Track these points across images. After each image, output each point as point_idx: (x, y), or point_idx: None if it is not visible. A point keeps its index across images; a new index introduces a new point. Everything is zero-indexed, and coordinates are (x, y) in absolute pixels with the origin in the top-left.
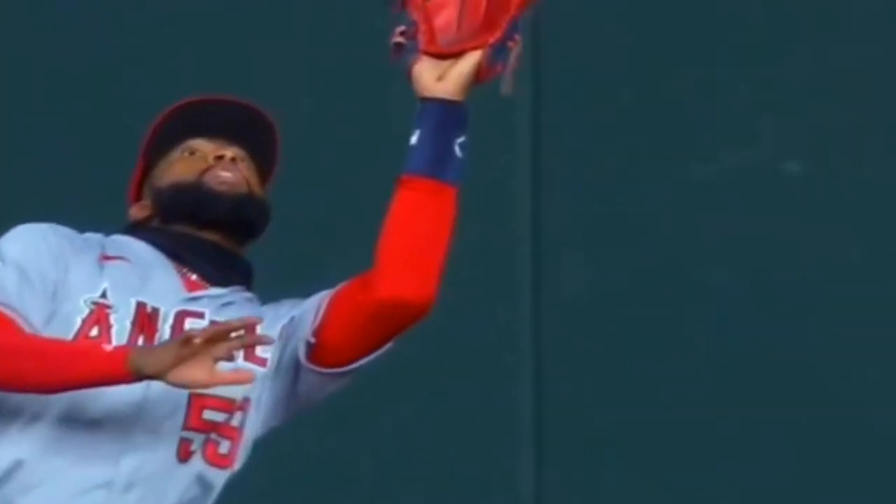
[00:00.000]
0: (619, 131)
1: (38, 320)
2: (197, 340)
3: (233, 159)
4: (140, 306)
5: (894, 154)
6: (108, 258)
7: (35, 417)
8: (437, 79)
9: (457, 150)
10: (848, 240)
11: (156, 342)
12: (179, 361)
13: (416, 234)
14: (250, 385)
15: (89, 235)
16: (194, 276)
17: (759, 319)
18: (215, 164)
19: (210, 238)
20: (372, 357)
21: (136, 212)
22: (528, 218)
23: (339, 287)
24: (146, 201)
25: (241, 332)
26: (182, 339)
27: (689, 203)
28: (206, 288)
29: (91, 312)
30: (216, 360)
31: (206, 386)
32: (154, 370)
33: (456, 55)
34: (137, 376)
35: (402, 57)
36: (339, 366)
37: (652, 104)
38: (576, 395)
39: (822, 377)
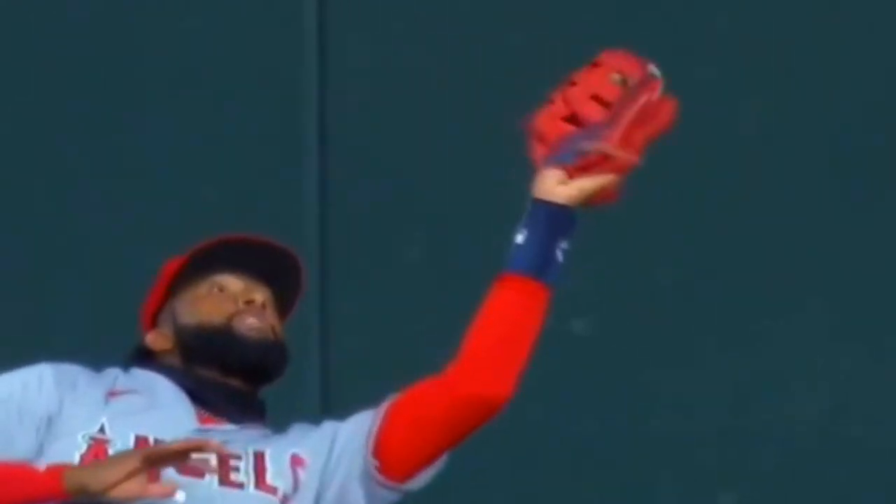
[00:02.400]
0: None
1: (19, 449)
2: (148, 455)
3: (263, 305)
4: (140, 440)
5: None
6: (115, 394)
7: None
8: (559, 183)
9: (559, 254)
10: None
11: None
12: (129, 477)
13: (507, 333)
14: None
15: (108, 371)
16: (209, 414)
17: None
18: (245, 308)
19: (231, 383)
20: (435, 465)
21: (155, 341)
22: None
23: (395, 399)
24: (165, 331)
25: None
26: (143, 455)
27: None
28: (220, 423)
29: (89, 448)
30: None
31: (136, 497)
32: (100, 486)
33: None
34: (77, 493)
35: (554, 158)
36: (403, 476)
37: None
38: None
39: None
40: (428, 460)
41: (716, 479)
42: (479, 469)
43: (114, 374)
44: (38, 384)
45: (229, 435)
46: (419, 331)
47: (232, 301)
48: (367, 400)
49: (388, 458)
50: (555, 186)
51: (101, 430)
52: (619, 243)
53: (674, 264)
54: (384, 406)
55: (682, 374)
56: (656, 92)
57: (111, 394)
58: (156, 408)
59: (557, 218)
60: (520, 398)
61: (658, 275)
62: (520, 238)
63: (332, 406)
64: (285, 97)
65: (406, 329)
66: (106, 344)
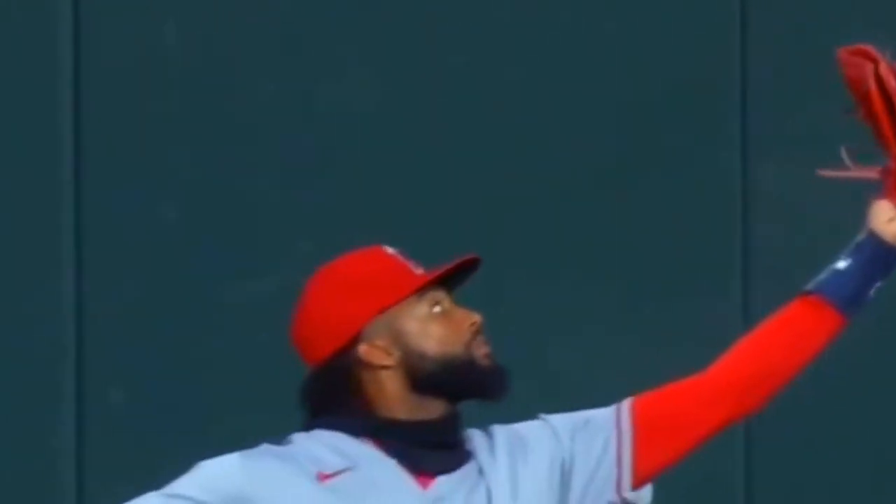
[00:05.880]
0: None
1: None
2: None
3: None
4: None
5: None
6: (327, 476)
7: None
8: (889, 220)
9: (871, 292)
10: None
11: None
12: None
13: (790, 358)
14: None
15: (294, 450)
16: (423, 472)
17: None
18: (474, 334)
19: (446, 413)
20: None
21: (371, 354)
22: None
23: (636, 401)
24: (384, 343)
25: None
26: None
27: None
28: (436, 481)
29: None
30: None
31: None
32: None
33: None
34: None
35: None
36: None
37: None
38: None
39: None
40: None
41: None
42: None
43: (305, 451)
44: (228, 486)
45: (456, 496)
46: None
47: (457, 326)
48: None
49: (641, 479)
50: (885, 222)
51: None
52: None
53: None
54: (626, 431)
55: None
56: None
57: (323, 477)
58: (378, 483)
59: (884, 256)
60: None
61: None
62: (841, 264)
63: (87, 359)
64: (38, 73)
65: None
66: None
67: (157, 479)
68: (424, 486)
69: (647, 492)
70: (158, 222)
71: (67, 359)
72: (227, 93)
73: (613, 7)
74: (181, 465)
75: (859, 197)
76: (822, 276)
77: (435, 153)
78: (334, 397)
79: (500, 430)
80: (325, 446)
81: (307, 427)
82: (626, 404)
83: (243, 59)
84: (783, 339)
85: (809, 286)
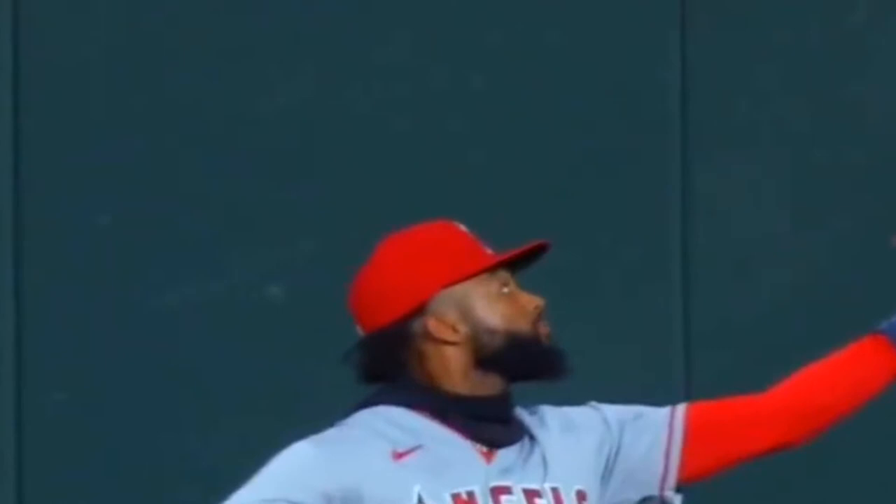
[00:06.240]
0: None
1: None
2: None
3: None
4: (455, 497)
5: None
6: (401, 455)
7: None
8: None
9: None
10: None
11: None
12: None
13: (851, 396)
14: None
15: (364, 432)
16: (484, 446)
17: None
18: (539, 315)
19: (503, 391)
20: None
21: (438, 329)
22: None
23: (692, 406)
24: (451, 319)
25: None
26: None
27: None
28: (498, 454)
29: None
30: None
31: None
32: None
33: None
34: None
35: None
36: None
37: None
38: None
39: None
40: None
41: None
42: None
43: (372, 427)
44: (312, 479)
45: (515, 467)
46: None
47: (523, 307)
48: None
49: (685, 479)
50: None
51: (420, 500)
52: None
53: None
54: (678, 431)
55: None
56: None
57: (397, 455)
58: (447, 459)
59: None
60: None
61: None
62: None
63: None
64: None
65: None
66: None
67: (95, 481)
68: (488, 460)
69: (679, 499)
70: (94, 227)
71: (5, 363)
72: (166, 97)
73: (555, 16)
74: (120, 467)
75: (796, 200)
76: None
77: (371, 160)
78: (392, 365)
79: (548, 409)
80: (391, 424)
81: (370, 401)
82: (682, 407)
83: (180, 65)
84: (846, 378)
85: (883, 325)
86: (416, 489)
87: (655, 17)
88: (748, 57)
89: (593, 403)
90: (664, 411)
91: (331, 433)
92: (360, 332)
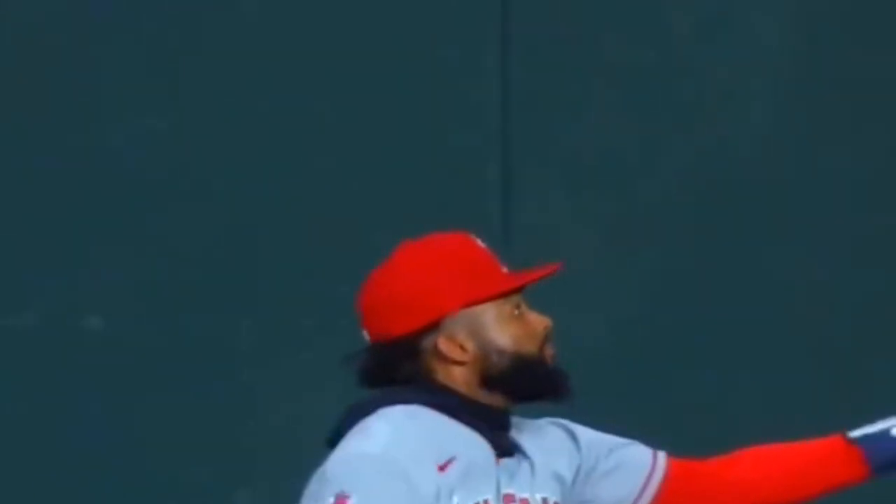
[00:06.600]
0: None
1: None
2: None
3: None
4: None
5: None
6: (443, 468)
7: None
8: None
9: None
10: None
11: None
12: None
13: (806, 489)
14: None
15: (414, 447)
16: (497, 452)
17: None
18: (546, 338)
19: (506, 407)
20: None
21: (450, 349)
22: None
23: (672, 466)
24: (461, 338)
25: None
26: None
27: None
28: (503, 461)
29: None
30: None
31: None
32: None
33: None
34: None
35: None
36: None
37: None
38: None
39: None
40: None
41: None
42: None
43: (417, 435)
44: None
45: (515, 475)
46: None
47: (534, 327)
48: None
49: None
50: None
51: None
52: None
53: None
54: (657, 477)
55: None
56: None
57: (440, 468)
58: (473, 465)
59: None
60: None
61: None
62: (895, 431)
63: None
64: None
65: None
66: None
67: None
68: (497, 464)
69: None
70: None
71: None
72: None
73: (374, 27)
74: None
75: (619, 224)
76: (873, 429)
77: (193, 154)
78: (396, 375)
79: (527, 421)
80: (428, 430)
81: (396, 398)
82: (663, 453)
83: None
84: (810, 473)
85: (856, 435)
86: (455, 501)
87: (476, 34)
88: (571, 73)
89: (565, 422)
90: (645, 448)
91: (387, 454)
92: (364, 334)
